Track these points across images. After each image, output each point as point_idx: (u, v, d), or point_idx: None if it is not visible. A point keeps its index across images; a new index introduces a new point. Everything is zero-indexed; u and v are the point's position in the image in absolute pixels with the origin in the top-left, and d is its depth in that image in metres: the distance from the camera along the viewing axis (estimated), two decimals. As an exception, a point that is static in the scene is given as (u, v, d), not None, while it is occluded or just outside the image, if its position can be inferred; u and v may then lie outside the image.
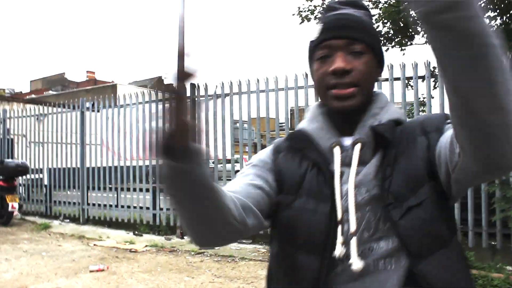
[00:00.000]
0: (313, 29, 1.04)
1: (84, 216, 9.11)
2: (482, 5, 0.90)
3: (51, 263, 5.91)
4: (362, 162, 0.97)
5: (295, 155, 1.06)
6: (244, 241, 6.62)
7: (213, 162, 12.19)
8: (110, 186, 8.88)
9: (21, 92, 41.52)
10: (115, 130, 8.85)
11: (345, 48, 0.98)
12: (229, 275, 5.30)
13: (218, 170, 6.13)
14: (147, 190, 8.42)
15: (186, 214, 0.84)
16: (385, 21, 9.93)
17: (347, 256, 0.91)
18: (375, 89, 1.07)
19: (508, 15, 8.17)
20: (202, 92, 7.61)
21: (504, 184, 5.00)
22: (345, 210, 0.93)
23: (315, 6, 9.92)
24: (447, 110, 0.85)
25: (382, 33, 10.18)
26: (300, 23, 10.16)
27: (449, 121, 0.95)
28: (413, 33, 9.80)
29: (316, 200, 0.97)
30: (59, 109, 10.18)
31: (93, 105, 9.42)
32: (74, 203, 9.40)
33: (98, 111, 9.28)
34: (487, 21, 0.70)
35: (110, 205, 8.68)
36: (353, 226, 0.91)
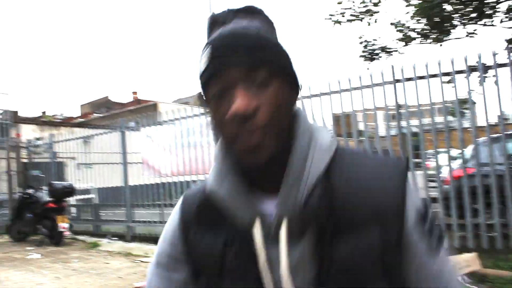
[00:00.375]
0: (199, 57, 0.79)
1: (130, 234, 9.32)
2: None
3: (98, 281, 6.07)
4: (291, 239, 0.76)
5: (208, 229, 0.85)
6: None
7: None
8: (154, 203, 9.08)
9: (71, 116, 43.33)
10: (155, 147, 9.07)
11: (245, 79, 0.74)
12: None
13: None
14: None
15: None
16: (419, 17, 9.72)
17: None
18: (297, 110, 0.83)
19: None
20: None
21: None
22: None
23: (345, 9, 9.93)
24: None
25: (417, 30, 9.97)
26: (333, 25, 10.20)
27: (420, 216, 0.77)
28: (450, 27, 9.52)
29: (241, 284, 0.80)
30: (101, 131, 10.54)
31: (137, 123, 9.71)
32: (121, 221, 9.65)
33: (138, 130, 9.55)
34: None
35: (155, 222, 8.85)
36: None
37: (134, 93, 44.24)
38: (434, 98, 5.85)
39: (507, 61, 5.30)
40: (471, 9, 8.90)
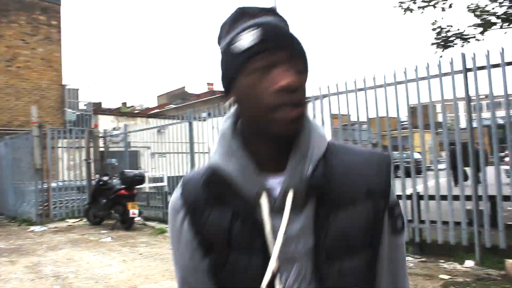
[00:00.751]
0: (242, 37, 0.86)
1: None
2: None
3: (161, 266, 6.35)
4: (294, 210, 0.85)
5: (215, 204, 0.91)
6: None
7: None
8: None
9: (148, 107, 45.29)
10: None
11: (288, 62, 0.83)
12: None
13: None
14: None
15: None
16: (502, 0, 9.05)
17: None
18: None
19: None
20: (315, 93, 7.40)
21: None
22: (281, 264, 0.85)
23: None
24: None
25: (499, 14, 9.28)
26: (404, 14, 9.80)
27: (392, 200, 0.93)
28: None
29: (247, 255, 0.87)
30: (171, 121, 10.94)
31: (209, 114, 9.95)
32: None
33: (205, 120, 9.80)
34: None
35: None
36: (290, 280, 0.86)
37: (210, 84, 45.23)
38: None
39: None
40: None
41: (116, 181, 10.33)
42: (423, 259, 5.86)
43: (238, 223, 0.88)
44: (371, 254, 0.89)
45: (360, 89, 6.79)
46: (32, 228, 10.54)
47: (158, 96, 49.41)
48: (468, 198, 5.75)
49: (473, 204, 5.67)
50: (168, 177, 11.99)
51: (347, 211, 0.86)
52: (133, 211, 9.56)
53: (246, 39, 0.84)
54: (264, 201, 0.85)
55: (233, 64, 0.86)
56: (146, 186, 12.63)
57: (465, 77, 5.75)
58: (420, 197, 6.31)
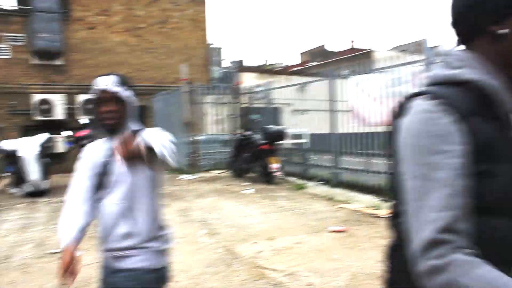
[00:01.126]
0: None
1: (335, 179, 9.51)
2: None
3: (298, 220, 6.42)
4: None
5: (486, 117, 0.96)
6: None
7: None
8: (361, 151, 9.01)
9: (290, 65, 45.69)
10: (364, 96, 8.87)
11: None
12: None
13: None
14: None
15: None
16: None
17: None
18: None
19: None
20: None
21: None
22: None
23: None
24: None
25: None
26: None
27: None
28: None
29: None
30: (312, 79, 10.81)
31: (352, 72, 9.64)
32: (328, 167, 9.91)
33: (347, 78, 9.46)
34: None
35: (362, 170, 8.81)
36: None
37: (352, 41, 43.98)
38: None
39: None
40: None
41: (258, 136, 10.63)
42: None
43: (504, 134, 0.95)
44: None
45: None
46: (181, 176, 11.48)
47: (301, 54, 49.59)
48: None
49: None
50: (309, 135, 12.03)
51: None
52: (274, 166, 9.81)
53: None
54: None
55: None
56: (287, 142, 12.84)
57: None
58: None
